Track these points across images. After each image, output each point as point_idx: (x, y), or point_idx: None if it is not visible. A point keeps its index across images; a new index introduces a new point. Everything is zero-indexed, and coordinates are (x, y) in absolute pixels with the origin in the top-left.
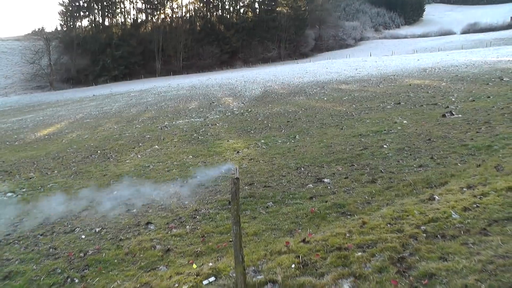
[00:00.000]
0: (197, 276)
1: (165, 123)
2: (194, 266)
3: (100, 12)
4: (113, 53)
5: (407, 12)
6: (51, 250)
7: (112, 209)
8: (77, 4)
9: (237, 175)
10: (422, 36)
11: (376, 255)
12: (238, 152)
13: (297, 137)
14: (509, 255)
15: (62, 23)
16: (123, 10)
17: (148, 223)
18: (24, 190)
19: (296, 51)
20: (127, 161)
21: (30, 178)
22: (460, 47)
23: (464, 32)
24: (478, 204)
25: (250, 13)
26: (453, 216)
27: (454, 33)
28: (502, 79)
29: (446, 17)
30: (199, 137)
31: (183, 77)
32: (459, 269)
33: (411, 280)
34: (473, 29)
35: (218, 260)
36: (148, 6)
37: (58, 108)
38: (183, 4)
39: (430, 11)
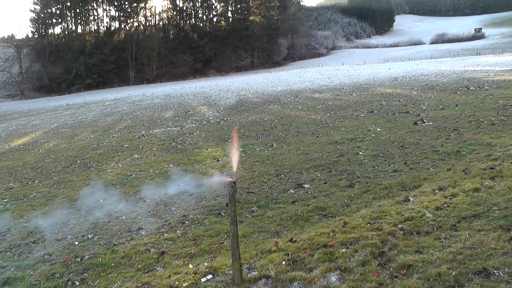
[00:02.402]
0: (195, 274)
1: (142, 132)
2: (190, 266)
3: (73, 19)
4: (87, 61)
5: (377, 22)
6: (46, 256)
7: (101, 217)
8: (49, 11)
9: (234, 179)
10: (393, 46)
11: (359, 250)
12: (218, 160)
13: (274, 145)
14: (475, 246)
15: (34, 30)
16: (96, 17)
17: (139, 228)
18: (6, 200)
19: (269, 59)
20: (108, 170)
21: (11, 189)
22: (429, 57)
23: (433, 42)
24: (448, 204)
25: (223, 22)
26: (427, 215)
27: (424, 43)
28: (469, 88)
29: (415, 28)
30: (178, 146)
31: (157, 86)
32: (433, 260)
33: (391, 270)
34: (441, 39)
35: (212, 260)
36: (121, 14)
37: (32, 118)
38: (156, 12)
39: (400, 21)
